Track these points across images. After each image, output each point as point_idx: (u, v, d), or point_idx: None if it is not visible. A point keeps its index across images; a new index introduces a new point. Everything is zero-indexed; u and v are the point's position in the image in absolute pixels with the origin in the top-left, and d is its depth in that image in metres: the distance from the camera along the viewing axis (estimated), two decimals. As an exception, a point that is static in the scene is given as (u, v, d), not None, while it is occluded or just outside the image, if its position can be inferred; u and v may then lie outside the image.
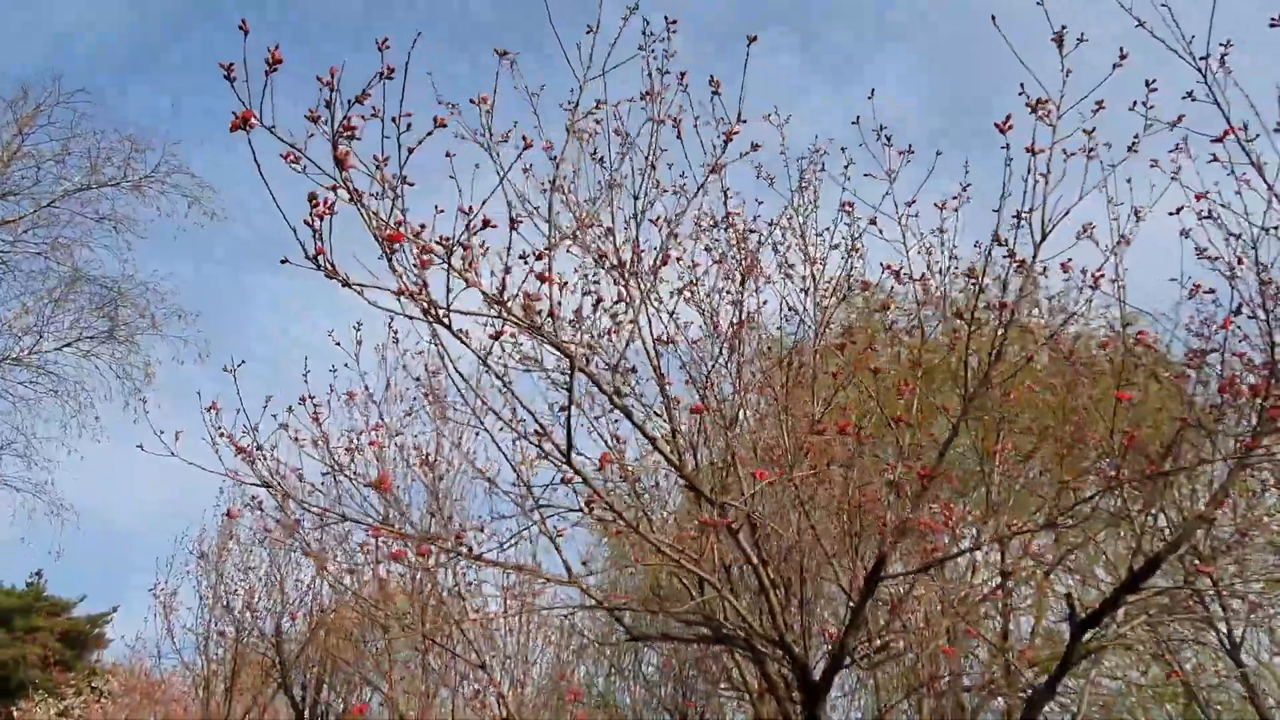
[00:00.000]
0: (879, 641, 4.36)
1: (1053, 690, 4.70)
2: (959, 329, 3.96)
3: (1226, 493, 4.16)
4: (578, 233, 4.47)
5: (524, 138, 3.14)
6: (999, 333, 3.67)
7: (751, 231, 6.36)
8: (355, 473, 5.80)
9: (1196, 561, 4.36)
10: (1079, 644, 4.52)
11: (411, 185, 3.10)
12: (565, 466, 3.51)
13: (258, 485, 4.93)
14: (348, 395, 6.16)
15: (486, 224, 3.06)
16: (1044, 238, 3.72)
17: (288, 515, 5.88)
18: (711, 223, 6.25)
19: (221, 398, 5.08)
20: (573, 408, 4.14)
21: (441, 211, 3.42)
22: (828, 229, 6.25)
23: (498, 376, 3.44)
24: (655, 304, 5.48)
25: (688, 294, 6.25)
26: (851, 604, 3.95)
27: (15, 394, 14.43)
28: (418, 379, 5.85)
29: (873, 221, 4.91)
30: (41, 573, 41.49)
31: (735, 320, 5.92)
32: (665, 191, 5.67)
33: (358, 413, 5.79)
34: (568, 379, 3.42)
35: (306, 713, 10.54)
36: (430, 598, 6.63)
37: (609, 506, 3.69)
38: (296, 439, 5.85)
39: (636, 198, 5.48)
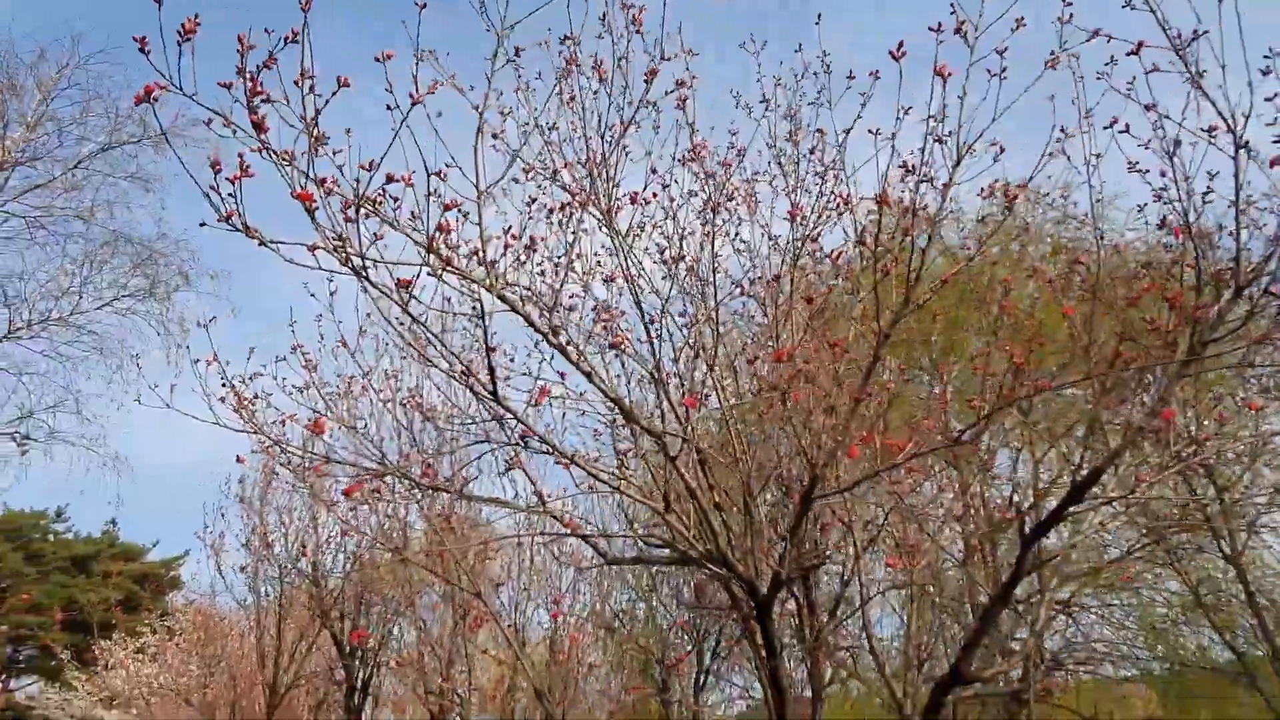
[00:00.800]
0: (812, 559, 4.57)
1: (1005, 599, 4.88)
2: (890, 254, 4.04)
3: (1166, 404, 4.22)
4: (522, 175, 4.61)
5: (412, 94, 3.27)
6: (919, 254, 3.75)
7: (724, 165, 6.43)
8: (349, 415, 6.14)
9: (1144, 470, 4.44)
10: (1028, 554, 4.67)
11: (325, 143, 3.28)
12: (493, 403, 3.73)
13: (247, 433, 5.27)
14: (340, 342, 6.43)
15: (390, 179, 3.23)
16: (959, 160, 3.76)
17: (287, 459, 6.24)
18: (681, 159, 6.33)
19: (230, 349, 5.40)
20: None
21: (375, 167, 3.61)
22: (805, 155, 6.32)
23: (416, 321, 3.65)
24: (623, 242, 5.64)
25: (658, 229, 6.40)
26: (790, 523, 4.16)
27: (62, 354, 15.12)
28: (405, 324, 6.08)
29: (811, 151, 4.95)
30: (115, 521, 43.68)
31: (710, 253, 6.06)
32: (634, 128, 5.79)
33: (345, 360, 6.04)
34: (482, 318, 3.61)
35: (346, 645, 11.20)
36: (438, 532, 6.99)
37: (542, 440, 3.92)
38: (293, 387, 6.20)
39: (603, 135, 5.63)
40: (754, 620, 4.54)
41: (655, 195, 6.34)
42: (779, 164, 6.41)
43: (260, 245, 3.14)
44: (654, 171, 6.32)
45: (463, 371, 3.76)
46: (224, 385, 5.45)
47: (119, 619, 32.34)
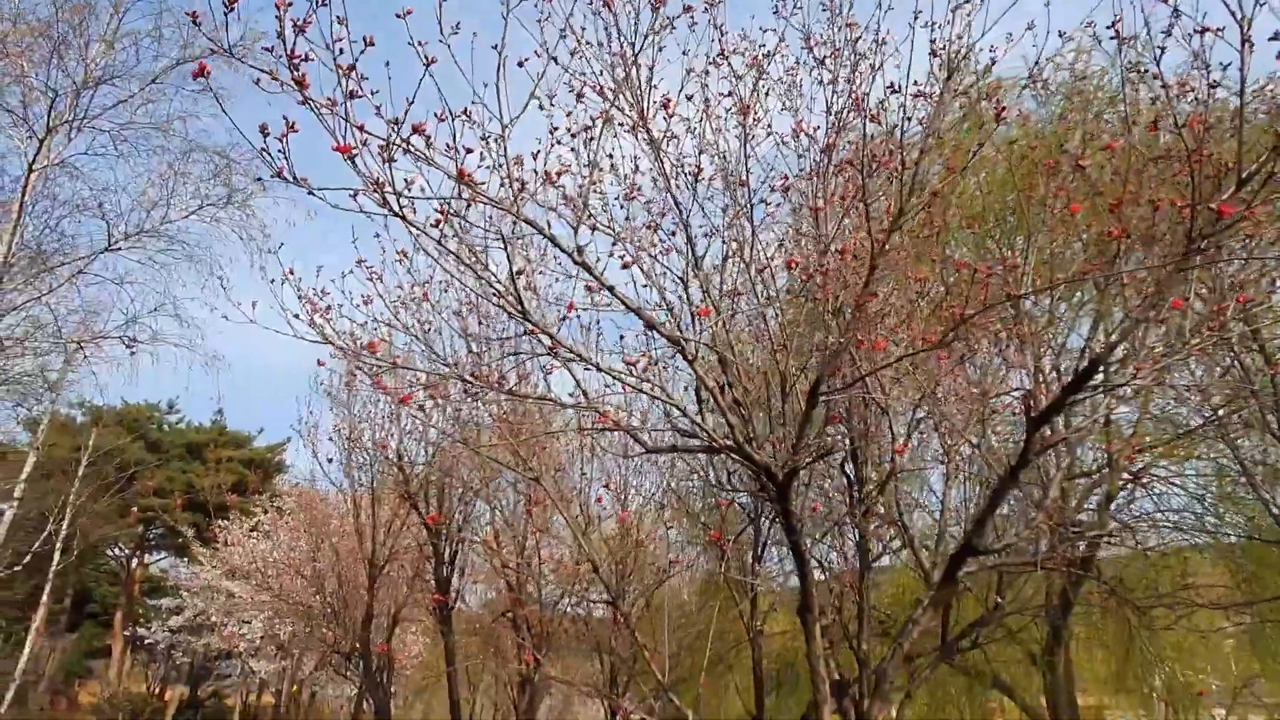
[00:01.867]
0: (819, 445, 5.03)
1: (1015, 479, 5.28)
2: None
3: (1163, 297, 4.44)
4: (548, 101, 4.95)
5: (427, 56, 3.63)
6: (913, 164, 4.00)
7: (754, 63, 6.59)
8: (415, 322, 6.75)
9: (1136, 362, 4.70)
10: (1035, 438, 5.03)
11: (360, 93, 3.70)
12: (523, 321, 4.23)
13: (322, 343, 5.92)
14: (399, 254, 6.98)
15: (416, 130, 3.65)
16: (950, 74, 3.95)
17: (361, 364, 6.93)
18: (713, 61, 6.51)
19: (310, 249, 5.98)
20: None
21: (404, 118, 4.03)
22: (835, 50, 6.42)
23: (451, 253, 4.12)
24: (658, 148, 5.96)
25: (691, 134, 6.63)
26: (798, 417, 4.61)
27: (156, 262, 16.25)
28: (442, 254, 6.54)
29: (821, 61, 5.12)
30: (222, 411, 46.93)
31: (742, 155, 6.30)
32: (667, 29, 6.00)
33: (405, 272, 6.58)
34: (505, 245, 4.07)
35: (431, 526, 12.28)
36: (498, 425, 7.68)
37: (569, 350, 4.42)
38: (361, 298, 6.82)
39: (633, 44, 5.88)
40: (775, 501, 5.06)
41: (690, 98, 6.56)
42: (812, 56, 6.52)
43: (309, 194, 3.64)
44: (689, 72, 6.54)
45: (495, 294, 4.26)
46: (300, 299, 6.09)
47: (232, 501, 35.11)
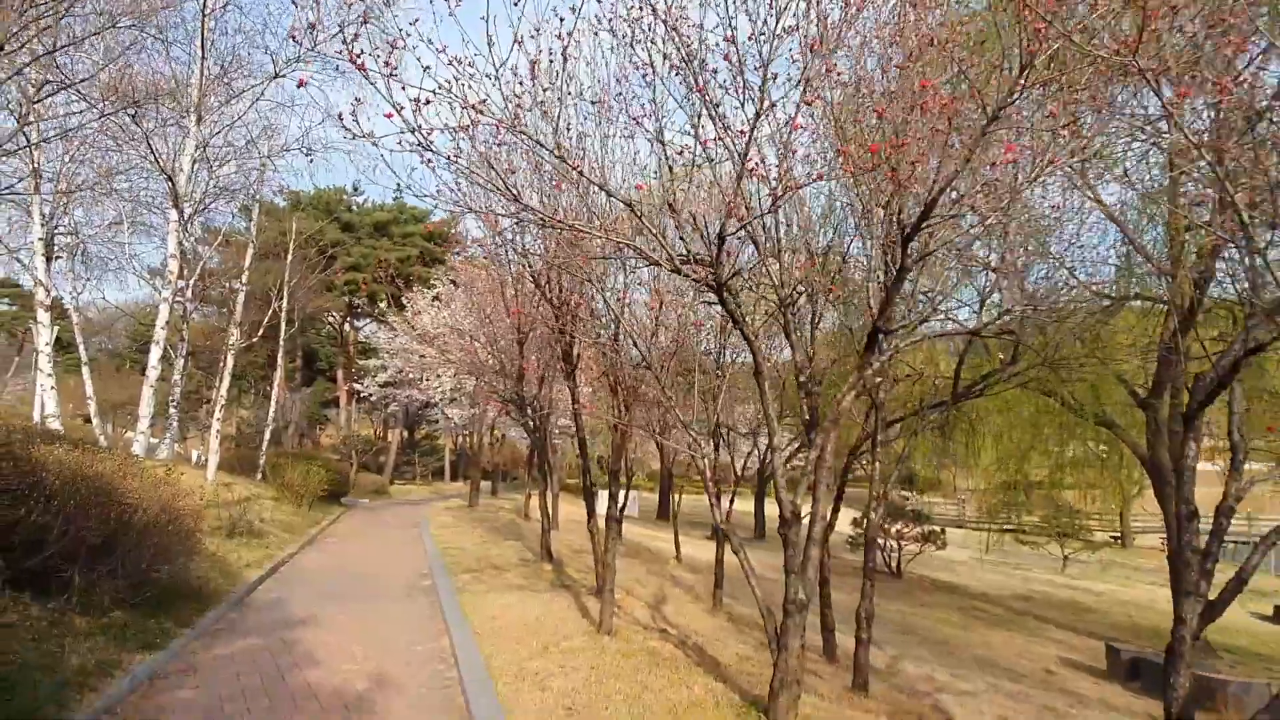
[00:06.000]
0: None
1: (901, 280, 7.37)
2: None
3: (972, 153, 6.25)
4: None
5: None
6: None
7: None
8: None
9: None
10: (908, 253, 7.05)
11: (395, 72, 6.09)
12: (517, 202, 6.69)
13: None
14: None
15: (428, 101, 6.03)
16: None
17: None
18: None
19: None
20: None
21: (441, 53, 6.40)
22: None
23: (466, 169, 6.55)
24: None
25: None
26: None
27: (316, 80, 19.30)
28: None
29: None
30: (401, 190, 51.82)
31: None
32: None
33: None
34: (491, 163, 6.47)
35: (550, 296, 15.30)
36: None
37: (555, 219, 6.85)
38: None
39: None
40: (720, 303, 7.50)
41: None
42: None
43: (373, 144, 6.16)
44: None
45: (496, 190, 6.70)
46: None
47: (418, 272, 40.37)
